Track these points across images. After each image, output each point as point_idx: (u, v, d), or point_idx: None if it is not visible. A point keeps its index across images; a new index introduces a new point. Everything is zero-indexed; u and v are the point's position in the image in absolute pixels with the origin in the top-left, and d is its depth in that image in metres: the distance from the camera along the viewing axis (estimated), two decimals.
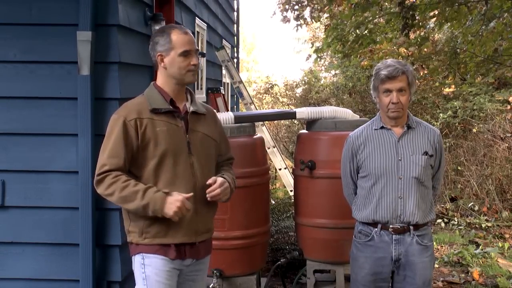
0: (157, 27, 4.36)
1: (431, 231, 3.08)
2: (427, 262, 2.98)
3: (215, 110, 2.89)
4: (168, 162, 2.49)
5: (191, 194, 2.49)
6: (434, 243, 6.42)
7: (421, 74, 10.97)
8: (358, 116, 4.51)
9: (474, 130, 9.12)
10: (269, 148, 7.12)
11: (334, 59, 15.68)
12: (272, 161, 7.25)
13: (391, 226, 2.96)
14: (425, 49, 9.57)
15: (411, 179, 2.93)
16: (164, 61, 2.54)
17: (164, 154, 2.48)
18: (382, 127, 3.01)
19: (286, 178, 7.08)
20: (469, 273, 5.47)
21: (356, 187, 3.13)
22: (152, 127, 2.47)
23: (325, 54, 15.42)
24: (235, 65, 9.10)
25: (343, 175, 3.18)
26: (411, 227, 2.95)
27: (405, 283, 2.99)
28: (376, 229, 2.99)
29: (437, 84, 10.78)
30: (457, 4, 7.63)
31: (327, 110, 4.28)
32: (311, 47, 13.20)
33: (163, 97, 2.56)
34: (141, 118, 2.48)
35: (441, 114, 9.64)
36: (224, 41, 8.68)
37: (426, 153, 2.96)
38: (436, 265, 5.77)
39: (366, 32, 8.65)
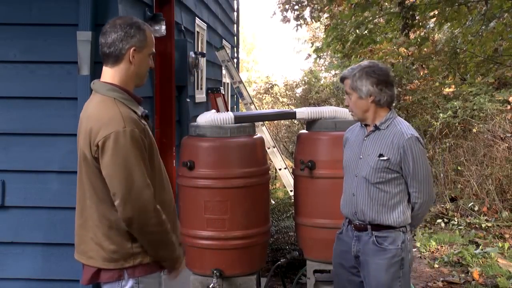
0: (157, 27, 4.37)
1: (402, 236, 2.92)
2: (382, 265, 2.90)
3: None
4: (158, 167, 2.40)
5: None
6: (434, 243, 6.43)
7: (421, 74, 10.98)
8: None
9: (474, 130, 9.13)
10: (269, 148, 7.13)
11: (334, 59, 15.69)
12: (272, 161, 7.26)
13: (353, 222, 3.03)
14: (425, 49, 9.58)
15: (362, 178, 2.97)
16: (134, 57, 2.32)
17: (158, 159, 2.39)
18: (365, 124, 3.06)
19: (286, 178, 7.09)
20: (469, 273, 5.47)
21: None
22: (148, 134, 2.31)
23: (325, 54, 15.45)
24: (235, 65, 9.10)
25: None
26: (369, 227, 2.95)
27: (365, 283, 3.00)
28: (346, 223, 3.11)
29: (437, 84, 10.79)
30: (457, 4, 7.64)
31: (327, 110, 4.28)
32: (311, 47, 13.21)
33: (134, 99, 2.34)
34: (143, 126, 2.28)
35: (441, 114, 9.64)
36: (224, 41, 8.68)
37: (381, 155, 2.90)
38: (436, 265, 5.76)
39: (366, 32, 8.65)
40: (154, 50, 2.41)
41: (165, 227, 2.28)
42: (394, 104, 3.10)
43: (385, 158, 2.89)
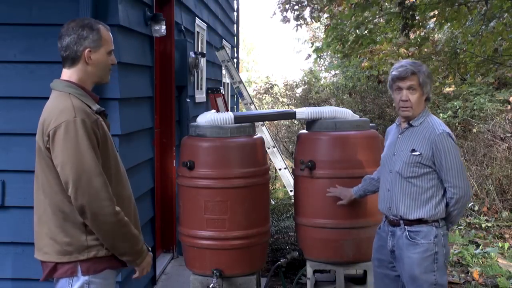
0: (157, 27, 4.37)
1: (434, 231, 3.01)
2: (415, 259, 3.00)
3: None
4: (115, 160, 2.41)
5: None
6: None
7: None
8: (358, 116, 4.50)
9: (474, 130, 9.13)
10: (269, 148, 7.13)
11: (334, 59, 15.68)
12: (272, 161, 7.26)
13: (388, 217, 3.15)
14: (425, 49, 9.57)
15: (396, 173, 3.08)
16: (91, 58, 2.36)
17: (114, 153, 2.41)
18: (403, 121, 3.16)
19: (286, 178, 7.09)
20: (469, 273, 5.47)
21: None
22: (102, 127, 2.33)
23: (325, 54, 15.43)
24: (235, 65, 9.10)
25: None
26: (402, 222, 3.06)
27: (401, 276, 3.13)
28: (384, 219, 3.24)
29: (437, 84, 10.78)
30: (457, 4, 7.63)
31: (327, 110, 4.28)
32: (311, 47, 13.20)
33: (91, 97, 2.38)
34: (96, 118, 2.31)
35: (441, 114, 9.64)
36: (224, 41, 8.68)
37: (413, 150, 3.02)
38: None
39: (366, 32, 8.64)
40: (113, 47, 2.44)
41: (120, 217, 2.27)
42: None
43: (417, 153, 3.00)
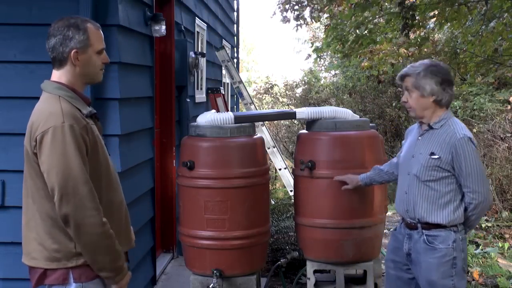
0: (157, 27, 4.37)
1: (453, 236, 2.96)
2: (433, 264, 2.95)
3: None
4: (106, 166, 2.34)
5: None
6: None
7: None
8: (358, 116, 4.50)
9: (474, 130, 9.13)
10: (269, 148, 7.13)
11: (334, 59, 15.69)
12: (272, 161, 7.26)
13: (405, 220, 3.12)
14: (425, 49, 9.58)
15: (413, 176, 3.04)
16: (78, 59, 2.26)
17: (105, 158, 2.34)
18: (421, 123, 3.14)
19: (286, 178, 7.09)
20: (469, 273, 5.47)
21: None
22: (92, 132, 2.25)
23: (325, 54, 15.44)
24: (235, 65, 9.10)
25: None
26: (419, 225, 3.02)
27: (417, 280, 3.09)
28: (400, 220, 3.21)
29: None
30: (457, 4, 7.64)
31: (327, 110, 4.28)
32: (311, 47, 13.20)
33: (81, 99, 2.31)
34: (86, 124, 2.23)
35: None
36: (224, 41, 8.68)
37: (432, 153, 2.97)
38: None
39: (366, 32, 8.65)
40: (102, 46, 2.35)
41: (106, 229, 2.18)
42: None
43: (436, 156, 2.95)
